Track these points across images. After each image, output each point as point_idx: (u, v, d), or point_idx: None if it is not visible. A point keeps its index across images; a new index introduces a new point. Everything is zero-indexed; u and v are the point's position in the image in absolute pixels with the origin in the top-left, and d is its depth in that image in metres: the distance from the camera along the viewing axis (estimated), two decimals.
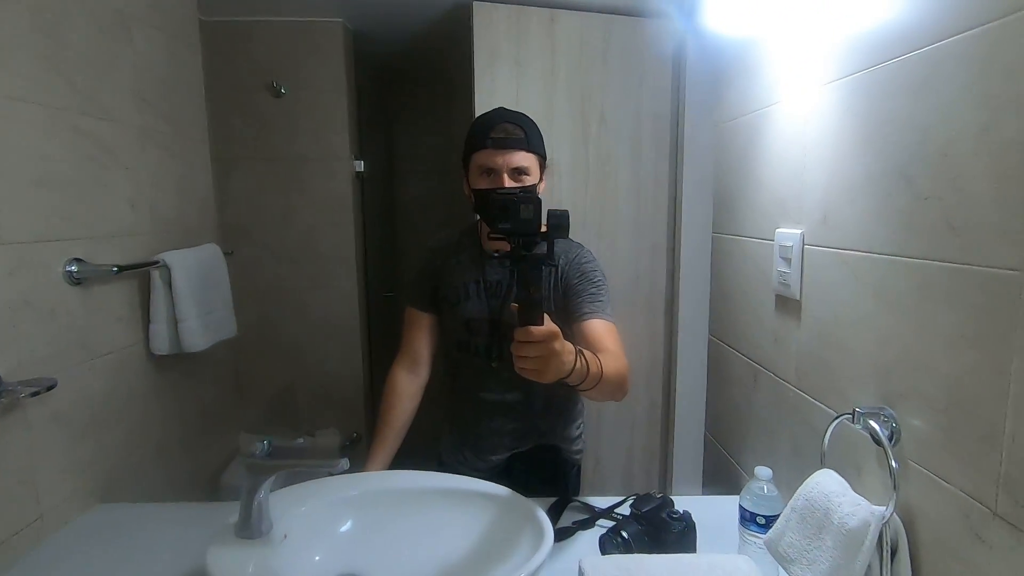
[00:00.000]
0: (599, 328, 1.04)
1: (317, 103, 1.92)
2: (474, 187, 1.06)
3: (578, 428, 1.24)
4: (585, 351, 0.87)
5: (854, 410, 0.75)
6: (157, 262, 1.23)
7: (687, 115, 1.53)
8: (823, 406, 0.93)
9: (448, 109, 2.61)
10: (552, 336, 0.76)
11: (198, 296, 1.30)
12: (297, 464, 0.79)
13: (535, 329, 0.75)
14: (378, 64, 2.31)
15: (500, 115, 1.08)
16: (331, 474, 0.80)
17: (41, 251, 0.98)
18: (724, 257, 1.37)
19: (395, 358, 1.24)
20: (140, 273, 1.23)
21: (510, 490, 0.92)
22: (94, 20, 1.11)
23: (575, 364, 0.82)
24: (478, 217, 1.12)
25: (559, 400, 1.18)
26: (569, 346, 0.82)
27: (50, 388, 0.92)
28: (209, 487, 1.51)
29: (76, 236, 1.06)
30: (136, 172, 1.24)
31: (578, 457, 1.25)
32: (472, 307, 1.14)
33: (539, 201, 0.78)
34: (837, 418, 0.78)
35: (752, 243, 1.20)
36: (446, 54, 2.13)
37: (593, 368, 0.86)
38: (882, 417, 0.74)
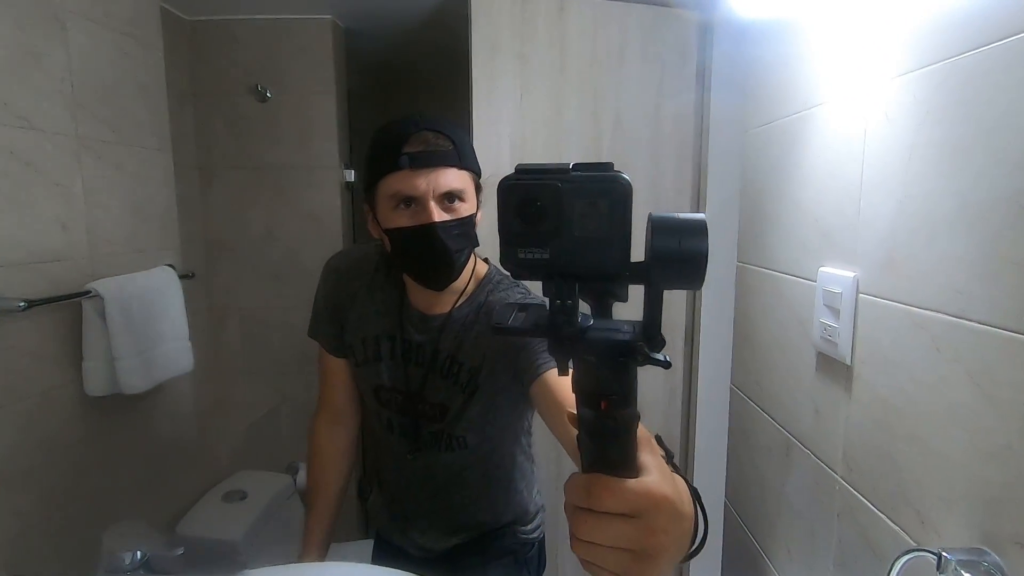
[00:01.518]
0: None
1: (304, 107, 1.77)
2: (386, 226, 0.77)
3: (532, 505, 1.00)
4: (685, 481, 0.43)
5: (940, 554, 0.51)
6: (87, 292, 1.07)
7: (712, 118, 1.30)
8: (885, 517, 0.69)
9: (447, 111, 2.43)
10: (660, 506, 0.35)
11: (140, 329, 1.14)
12: None
13: (623, 487, 0.35)
14: (370, 64, 2.14)
15: (414, 121, 0.77)
16: None
17: None
18: (750, 293, 1.14)
19: (316, 407, 1.03)
20: (72, 304, 1.07)
21: None
22: (11, 15, 0.96)
23: (695, 533, 0.40)
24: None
25: (497, 481, 0.93)
26: (687, 498, 0.39)
27: None
28: (163, 537, 1.35)
29: None
30: (69, 188, 1.09)
31: (536, 536, 1.01)
32: (383, 373, 0.88)
33: (625, 191, 0.34)
34: (911, 553, 0.55)
35: (786, 280, 0.96)
36: (444, 50, 1.95)
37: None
38: (983, 567, 0.51)
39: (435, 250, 0.75)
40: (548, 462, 1.44)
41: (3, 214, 0.96)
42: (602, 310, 0.37)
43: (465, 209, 0.77)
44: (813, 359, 0.86)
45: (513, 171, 0.35)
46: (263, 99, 1.75)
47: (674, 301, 1.39)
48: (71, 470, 1.08)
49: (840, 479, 0.79)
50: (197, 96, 1.77)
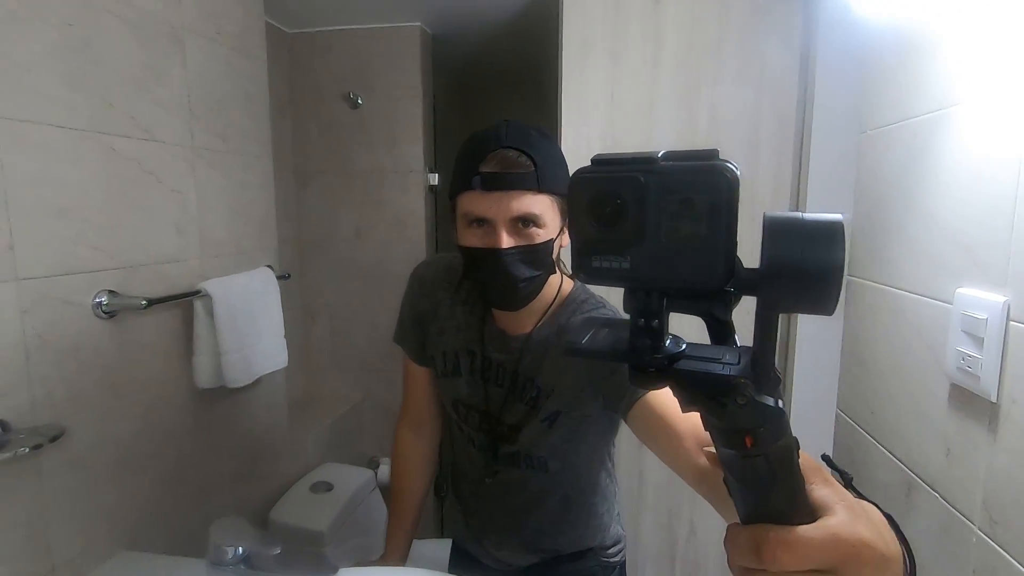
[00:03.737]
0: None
1: (393, 113, 1.82)
2: (461, 243, 0.75)
3: (613, 528, 0.96)
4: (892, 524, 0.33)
5: None
6: (198, 291, 1.15)
7: (816, 116, 1.20)
8: None
9: (531, 112, 2.41)
10: (856, 553, 0.28)
11: (242, 326, 1.22)
12: None
13: (802, 538, 0.28)
14: (454, 67, 2.16)
15: (497, 136, 0.71)
16: None
17: (63, 285, 0.92)
18: (865, 310, 1.03)
19: (400, 412, 1.03)
20: (186, 302, 1.16)
21: None
22: (136, 34, 1.04)
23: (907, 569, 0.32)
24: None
25: (579, 506, 0.89)
26: (887, 535, 0.30)
27: (55, 438, 0.85)
28: (258, 522, 1.44)
29: (109, 267, 1.00)
30: (184, 195, 1.17)
31: (618, 559, 0.97)
32: (462, 388, 0.86)
33: (729, 184, 0.27)
34: None
35: (913, 300, 0.86)
36: (528, 52, 1.94)
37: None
38: None
39: (500, 276, 0.72)
40: (628, 476, 1.39)
41: (131, 219, 1.04)
42: (717, 336, 0.30)
43: (541, 235, 0.72)
44: (945, 391, 0.76)
45: (589, 162, 0.30)
46: (355, 105, 1.82)
47: None
48: (181, 457, 1.16)
49: (978, 531, 0.69)
50: (294, 104, 1.87)
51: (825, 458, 0.35)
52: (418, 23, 1.76)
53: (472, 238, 0.73)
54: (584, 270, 0.30)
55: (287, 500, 1.49)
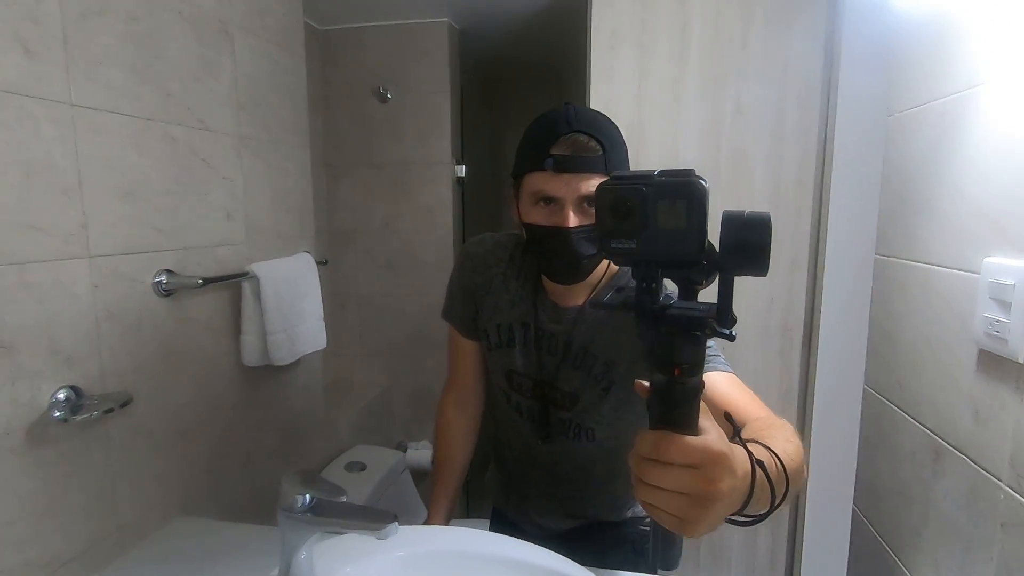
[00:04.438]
0: (721, 384, 0.72)
1: (421, 107, 1.87)
2: (525, 220, 0.79)
3: None
4: (758, 444, 0.53)
5: None
6: (247, 273, 1.21)
7: (840, 99, 1.22)
8: None
9: (558, 103, 2.46)
10: (716, 460, 0.42)
11: (287, 308, 1.27)
12: (341, 524, 0.68)
13: (686, 443, 0.42)
14: (480, 61, 2.21)
15: (567, 119, 0.75)
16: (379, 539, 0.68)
17: (129, 263, 0.98)
18: (894, 288, 1.06)
19: (444, 386, 1.08)
20: (233, 283, 1.22)
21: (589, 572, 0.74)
22: (193, 29, 1.10)
23: (751, 488, 0.46)
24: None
25: (623, 477, 0.93)
26: (742, 460, 0.46)
27: (124, 404, 0.91)
28: (330, 486, 1.49)
29: (167, 247, 1.06)
30: (233, 182, 1.23)
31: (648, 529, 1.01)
32: (516, 359, 0.89)
33: (700, 192, 0.41)
34: None
35: (941, 273, 0.89)
36: (556, 46, 1.98)
37: (777, 472, 0.51)
38: None
39: (566, 253, 0.76)
40: None
41: (188, 204, 1.10)
42: (687, 294, 0.43)
43: None
44: (973, 358, 0.79)
45: (609, 177, 0.43)
46: (384, 100, 1.88)
47: (795, 292, 1.32)
48: (228, 430, 1.22)
49: (1006, 487, 0.72)
50: (326, 99, 1.93)
51: (726, 415, 0.56)
52: (445, 18, 1.81)
53: (538, 215, 0.77)
54: (606, 249, 0.43)
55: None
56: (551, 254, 0.78)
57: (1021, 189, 0.71)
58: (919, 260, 0.96)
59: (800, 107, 1.31)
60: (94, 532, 0.91)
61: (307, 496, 0.69)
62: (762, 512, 0.49)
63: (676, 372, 0.42)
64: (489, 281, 0.93)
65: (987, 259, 0.76)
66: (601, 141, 0.74)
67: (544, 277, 0.87)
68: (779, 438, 0.58)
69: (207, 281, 1.08)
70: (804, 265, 1.31)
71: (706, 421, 0.44)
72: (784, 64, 1.30)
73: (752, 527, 0.52)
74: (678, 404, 0.43)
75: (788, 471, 0.53)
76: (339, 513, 0.69)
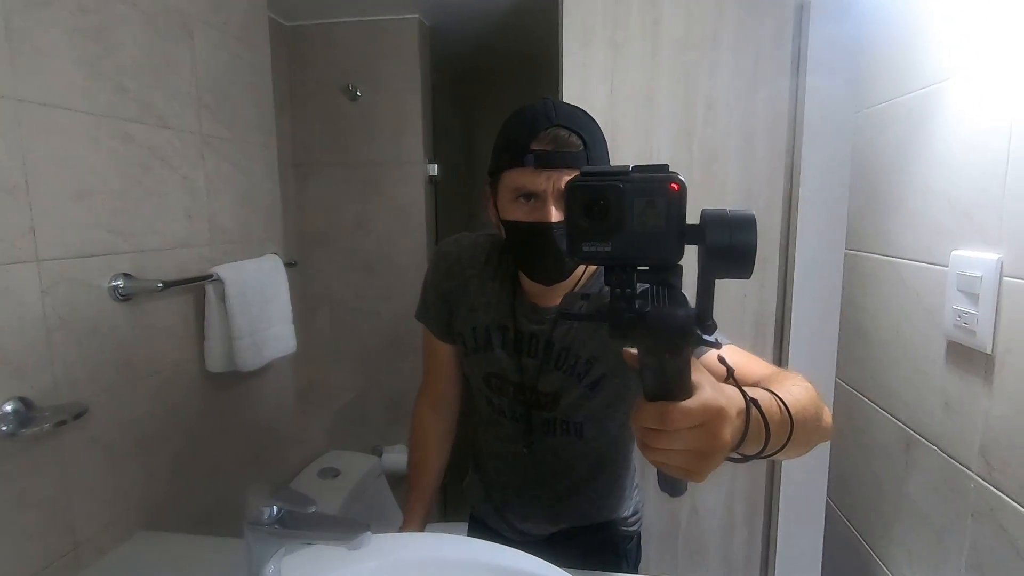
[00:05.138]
0: (733, 358, 0.67)
1: (392, 105, 1.84)
2: (504, 217, 0.77)
3: (634, 499, 1.01)
4: (759, 388, 0.54)
5: None
6: (211, 276, 1.16)
7: (808, 94, 1.23)
8: None
9: (530, 102, 2.45)
10: (717, 414, 0.43)
11: (254, 311, 1.23)
12: (310, 536, 0.66)
13: (687, 408, 0.42)
14: (450, 58, 2.19)
15: (547, 114, 0.73)
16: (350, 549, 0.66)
17: (82, 267, 0.93)
18: (864, 282, 1.07)
19: (419, 388, 1.06)
20: (196, 287, 1.17)
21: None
22: (149, 23, 1.06)
23: (746, 426, 0.47)
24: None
25: (608, 475, 0.93)
26: (737, 401, 0.47)
27: (79, 415, 0.86)
28: (298, 496, 1.45)
29: (124, 250, 1.01)
30: (194, 181, 1.19)
31: (635, 529, 1.01)
32: (494, 362, 0.87)
33: (677, 191, 0.39)
34: None
35: (910, 267, 0.90)
36: (528, 44, 1.97)
37: (779, 411, 0.52)
38: None
39: (548, 249, 0.74)
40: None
41: (145, 205, 1.06)
42: (662, 297, 0.40)
43: None
44: (942, 350, 0.80)
45: (579, 173, 0.40)
46: (354, 98, 1.84)
47: (767, 288, 1.33)
48: (193, 440, 1.18)
49: (976, 477, 0.73)
50: (294, 97, 1.88)
51: (721, 359, 0.52)
52: (416, 15, 1.79)
53: (519, 212, 0.75)
54: (576, 254, 0.40)
55: (295, 486, 1.51)
56: (533, 252, 0.76)
57: (988, 182, 0.72)
58: (889, 254, 0.97)
59: (770, 103, 1.32)
60: (49, 551, 0.86)
61: (274, 508, 0.66)
62: (758, 450, 0.50)
63: (668, 356, 0.40)
64: (464, 283, 0.90)
65: (955, 252, 0.78)
66: (582, 136, 0.73)
67: (523, 277, 0.85)
68: (785, 384, 0.59)
69: (167, 284, 1.04)
70: (775, 261, 1.32)
71: (697, 375, 0.44)
72: (754, 61, 1.31)
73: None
74: (671, 378, 0.42)
75: (792, 410, 0.53)
76: (308, 524, 0.66)
